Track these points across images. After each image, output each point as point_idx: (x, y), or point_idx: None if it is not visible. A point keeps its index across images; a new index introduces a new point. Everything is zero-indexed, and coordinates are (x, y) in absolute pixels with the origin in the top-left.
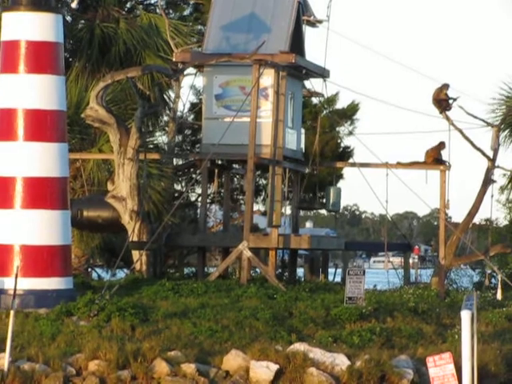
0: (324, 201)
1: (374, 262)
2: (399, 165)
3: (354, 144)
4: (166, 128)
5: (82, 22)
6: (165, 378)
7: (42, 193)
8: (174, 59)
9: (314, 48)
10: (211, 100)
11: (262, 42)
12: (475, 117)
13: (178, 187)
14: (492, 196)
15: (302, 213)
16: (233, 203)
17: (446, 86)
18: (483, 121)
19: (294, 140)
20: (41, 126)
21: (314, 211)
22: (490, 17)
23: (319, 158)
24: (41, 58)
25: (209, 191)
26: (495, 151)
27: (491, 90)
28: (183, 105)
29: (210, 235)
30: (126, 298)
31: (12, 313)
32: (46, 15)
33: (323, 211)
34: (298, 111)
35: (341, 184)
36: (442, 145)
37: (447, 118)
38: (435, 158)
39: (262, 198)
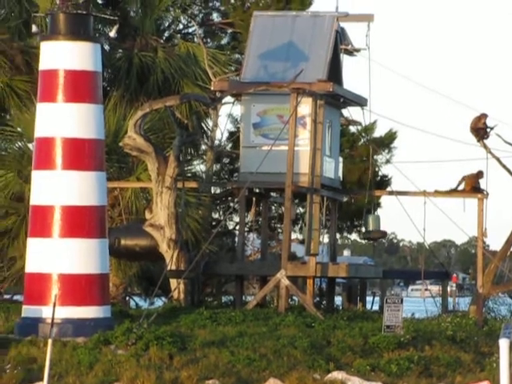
0: (363, 229)
1: (412, 290)
2: (437, 193)
3: (391, 172)
4: (204, 157)
5: (120, 51)
6: None
7: (80, 221)
8: (211, 88)
9: (352, 77)
10: (249, 128)
11: (299, 71)
12: None
13: (215, 216)
14: None
15: (339, 241)
16: (270, 232)
17: (484, 116)
18: None
19: (332, 168)
20: (79, 154)
21: (352, 239)
22: None
23: (357, 186)
24: (79, 86)
25: (246, 220)
26: None
27: None
28: (221, 133)
29: (248, 264)
30: (164, 327)
31: (50, 341)
32: (84, 44)
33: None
34: (335, 139)
35: (379, 212)
36: (480, 174)
37: (485, 147)
38: (473, 187)
39: (299, 226)
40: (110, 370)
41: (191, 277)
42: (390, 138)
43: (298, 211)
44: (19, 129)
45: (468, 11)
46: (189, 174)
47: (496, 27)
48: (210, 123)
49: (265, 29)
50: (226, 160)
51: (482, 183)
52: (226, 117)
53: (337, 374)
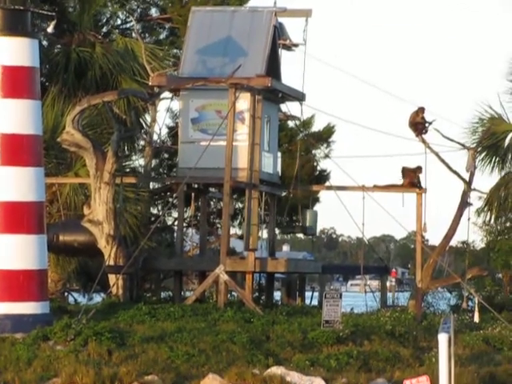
0: (300, 224)
1: (352, 285)
2: (376, 188)
3: (330, 167)
4: (143, 152)
5: (58, 46)
6: None
7: (18, 217)
8: (150, 83)
9: (291, 71)
10: (187, 124)
11: (237, 66)
12: (451, 140)
13: (154, 211)
14: (469, 219)
15: (278, 236)
16: (209, 227)
17: (421, 110)
18: (459, 143)
19: (271, 163)
20: (17, 150)
21: (291, 234)
22: (464, 40)
23: (295, 180)
24: (17, 82)
25: (185, 215)
26: (471, 174)
27: (467, 112)
28: (159, 129)
29: (187, 259)
30: (103, 323)
31: None
32: (21, 40)
33: (300, 234)
34: (274, 134)
35: (317, 207)
36: (418, 169)
37: (423, 141)
38: (412, 182)
39: (238, 221)
40: (48, 366)
41: (130, 272)
42: (329, 132)
43: (236, 206)
44: None
45: (406, 4)
46: (127, 170)
47: (434, 21)
48: (149, 118)
49: (203, 24)
50: (164, 155)
51: (421, 178)
52: (165, 112)
53: (276, 369)
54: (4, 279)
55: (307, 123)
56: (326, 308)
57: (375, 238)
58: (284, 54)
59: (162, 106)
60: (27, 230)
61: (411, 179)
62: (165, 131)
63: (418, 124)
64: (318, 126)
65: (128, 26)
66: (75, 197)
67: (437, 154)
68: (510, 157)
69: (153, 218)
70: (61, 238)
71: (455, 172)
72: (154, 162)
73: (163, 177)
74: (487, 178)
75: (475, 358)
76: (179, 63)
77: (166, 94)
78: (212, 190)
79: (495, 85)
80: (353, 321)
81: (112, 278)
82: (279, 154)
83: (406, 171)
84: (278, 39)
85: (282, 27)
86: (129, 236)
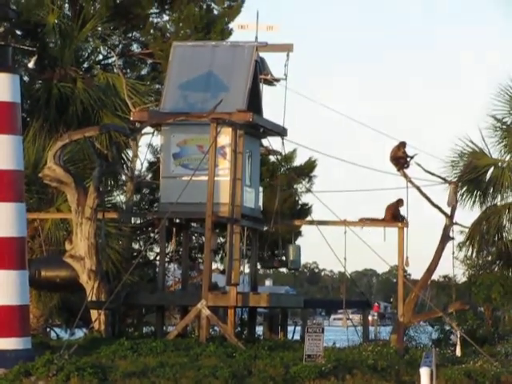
0: (284, 258)
1: (334, 319)
2: (357, 222)
3: (311, 201)
4: (124, 187)
5: (40, 81)
6: None
7: None
8: (131, 118)
9: (272, 106)
10: (169, 159)
11: (219, 101)
12: (433, 174)
13: (136, 246)
14: (453, 253)
15: (261, 271)
16: (191, 262)
17: (403, 144)
18: (441, 178)
19: (252, 198)
20: None
21: (274, 269)
22: (442, 76)
23: (276, 215)
24: None
25: (167, 250)
26: (453, 208)
27: (448, 147)
28: (141, 164)
29: (169, 294)
30: (85, 358)
31: None
32: (2, 75)
33: (283, 269)
34: (255, 169)
35: (299, 241)
36: (400, 202)
37: (405, 176)
38: (393, 215)
39: (220, 256)
40: None
41: (112, 307)
42: (310, 166)
43: (218, 241)
44: None
45: (386, 38)
46: (109, 205)
47: (415, 55)
48: (130, 154)
49: (184, 59)
50: (146, 190)
51: (403, 212)
52: (146, 147)
53: None
54: None
55: (289, 158)
56: (308, 342)
57: (357, 273)
58: (265, 89)
59: (144, 141)
60: (9, 266)
61: (393, 212)
62: (146, 166)
63: (400, 158)
64: (299, 161)
65: (109, 61)
66: (57, 232)
67: (418, 189)
68: (491, 191)
69: (135, 253)
70: (43, 273)
71: (437, 206)
72: (135, 198)
73: (145, 212)
74: (469, 212)
75: None
76: (161, 98)
77: (148, 129)
78: (194, 224)
79: (476, 120)
80: (335, 355)
81: (94, 313)
82: (261, 189)
83: (388, 206)
84: (260, 74)
85: (264, 62)
86: (111, 271)
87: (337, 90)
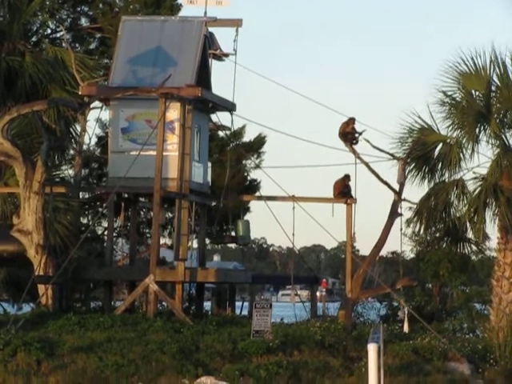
0: (233, 234)
1: (282, 295)
2: (306, 198)
3: (260, 177)
4: (73, 161)
5: None
6: None
7: None
8: (80, 93)
9: (221, 81)
10: (117, 133)
11: (168, 76)
12: (381, 150)
13: (84, 221)
14: (401, 229)
15: (209, 246)
16: (139, 237)
17: (352, 120)
18: (389, 154)
19: (201, 173)
20: None
21: (222, 245)
22: (393, 51)
23: (225, 191)
24: None
25: (115, 225)
26: (401, 184)
27: (396, 123)
28: (89, 138)
29: (117, 269)
30: (32, 333)
31: None
32: None
33: (232, 244)
34: (204, 144)
35: (248, 217)
36: (346, 178)
37: (353, 152)
38: (341, 191)
39: (168, 231)
40: None
41: (59, 282)
42: (259, 142)
43: (166, 216)
44: None
45: (337, 13)
46: (57, 179)
47: (364, 30)
48: (79, 128)
49: (133, 33)
50: (94, 165)
51: (351, 188)
52: (95, 121)
53: (205, 379)
54: None
55: (238, 133)
56: (256, 318)
57: (306, 248)
58: (214, 64)
59: (92, 115)
60: None
61: (340, 189)
62: (95, 141)
63: (348, 134)
64: (248, 136)
65: (58, 35)
66: (4, 206)
67: (367, 165)
68: (439, 167)
69: (83, 228)
70: None
71: (385, 182)
72: (83, 172)
73: (93, 186)
74: (417, 189)
75: (405, 368)
76: (109, 73)
77: (96, 104)
78: (142, 199)
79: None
80: (283, 331)
81: (41, 287)
82: (209, 164)
83: (335, 182)
84: (209, 49)
85: (213, 37)
86: (58, 246)
87: (287, 65)
